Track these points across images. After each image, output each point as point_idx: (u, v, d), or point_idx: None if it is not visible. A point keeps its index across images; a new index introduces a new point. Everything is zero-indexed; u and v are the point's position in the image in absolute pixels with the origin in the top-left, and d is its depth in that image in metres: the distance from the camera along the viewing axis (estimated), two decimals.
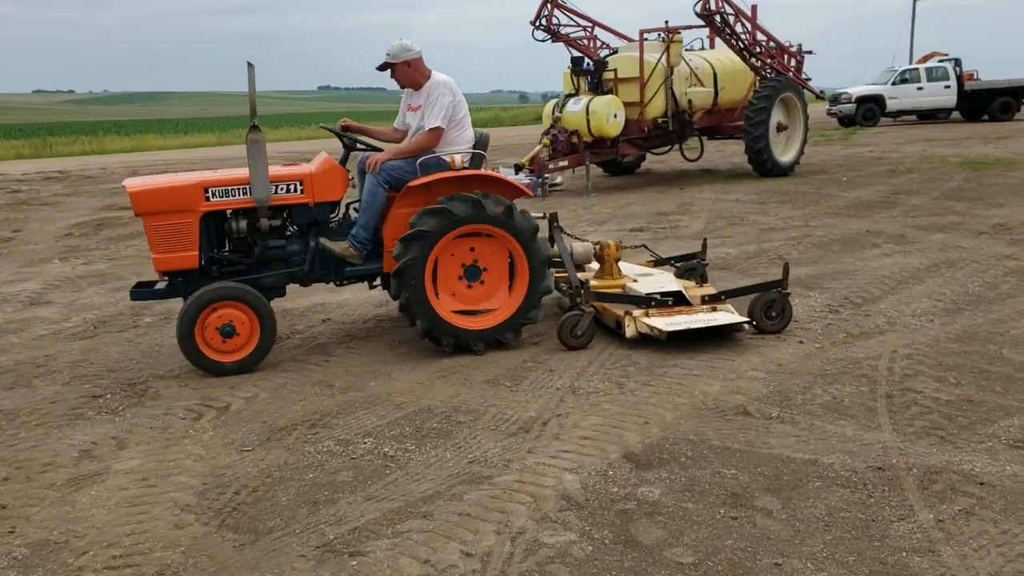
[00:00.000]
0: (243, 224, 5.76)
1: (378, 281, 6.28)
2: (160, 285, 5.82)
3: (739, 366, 5.40)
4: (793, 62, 16.54)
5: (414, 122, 6.12)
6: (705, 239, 7.67)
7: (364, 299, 7.41)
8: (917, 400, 4.74)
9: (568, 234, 6.89)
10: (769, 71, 15.83)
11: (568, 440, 4.36)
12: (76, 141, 33.33)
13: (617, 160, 16.15)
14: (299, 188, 5.78)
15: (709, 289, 6.50)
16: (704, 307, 6.06)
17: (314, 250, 5.88)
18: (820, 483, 3.81)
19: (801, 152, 15.87)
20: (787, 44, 16.39)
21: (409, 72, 6.00)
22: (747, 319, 5.96)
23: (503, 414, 4.75)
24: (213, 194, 5.61)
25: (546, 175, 14.85)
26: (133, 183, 5.67)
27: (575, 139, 14.35)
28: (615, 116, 14.34)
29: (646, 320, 5.85)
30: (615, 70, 14.91)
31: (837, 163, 17.16)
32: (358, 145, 6.19)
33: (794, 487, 3.78)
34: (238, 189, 5.63)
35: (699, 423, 4.52)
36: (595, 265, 6.93)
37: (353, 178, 6.27)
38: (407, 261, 5.60)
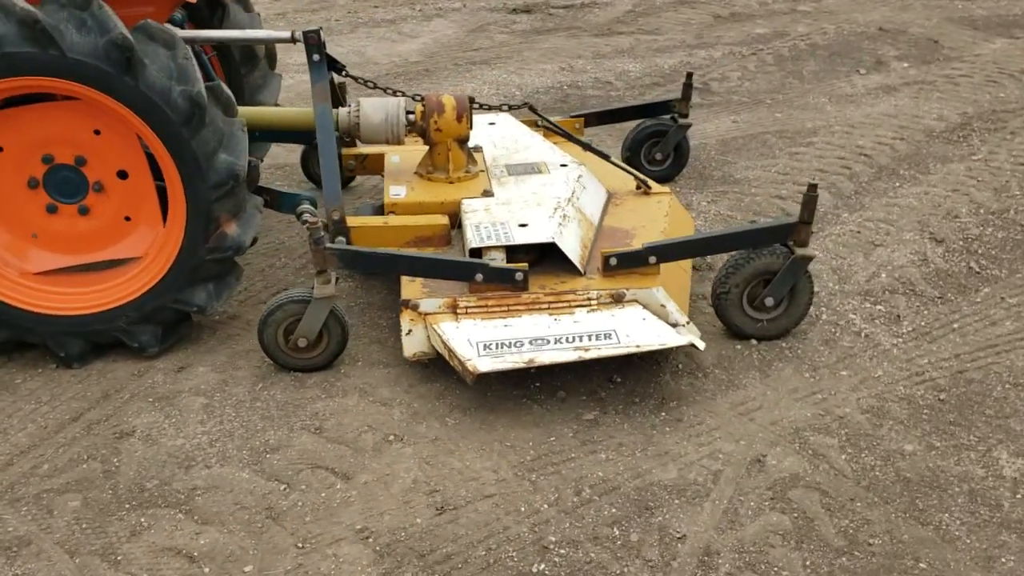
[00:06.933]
0: None
1: None
2: None
3: (506, 504, 1.55)
4: None
5: None
6: (690, 73, 3.48)
7: None
8: None
9: (349, 74, 3.14)
10: None
11: None
12: None
13: None
14: None
15: (656, 205, 2.95)
16: (595, 287, 2.55)
17: None
18: None
19: None
20: None
21: None
22: (695, 336, 2.37)
23: None
24: None
25: None
26: None
27: None
28: None
29: (442, 328, 2.47)
30: None
31: None
32: None
33: None
34: None
35: None
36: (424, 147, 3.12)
37: None
38: None
